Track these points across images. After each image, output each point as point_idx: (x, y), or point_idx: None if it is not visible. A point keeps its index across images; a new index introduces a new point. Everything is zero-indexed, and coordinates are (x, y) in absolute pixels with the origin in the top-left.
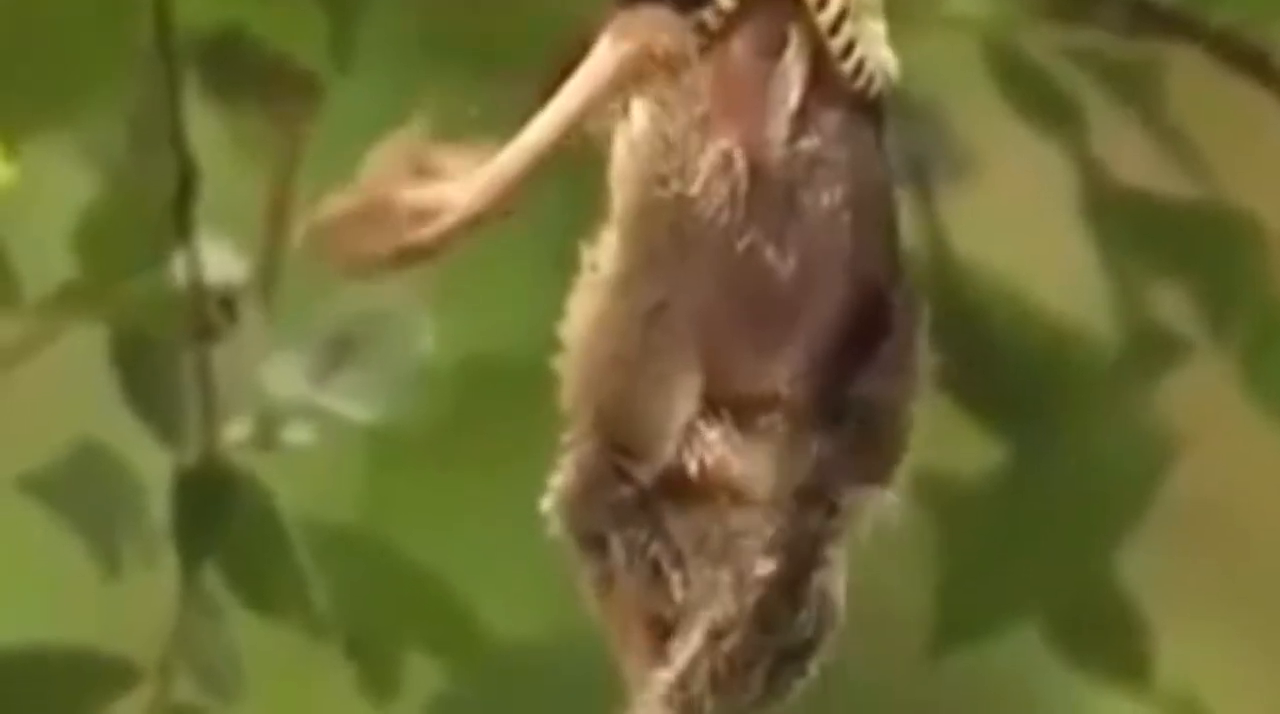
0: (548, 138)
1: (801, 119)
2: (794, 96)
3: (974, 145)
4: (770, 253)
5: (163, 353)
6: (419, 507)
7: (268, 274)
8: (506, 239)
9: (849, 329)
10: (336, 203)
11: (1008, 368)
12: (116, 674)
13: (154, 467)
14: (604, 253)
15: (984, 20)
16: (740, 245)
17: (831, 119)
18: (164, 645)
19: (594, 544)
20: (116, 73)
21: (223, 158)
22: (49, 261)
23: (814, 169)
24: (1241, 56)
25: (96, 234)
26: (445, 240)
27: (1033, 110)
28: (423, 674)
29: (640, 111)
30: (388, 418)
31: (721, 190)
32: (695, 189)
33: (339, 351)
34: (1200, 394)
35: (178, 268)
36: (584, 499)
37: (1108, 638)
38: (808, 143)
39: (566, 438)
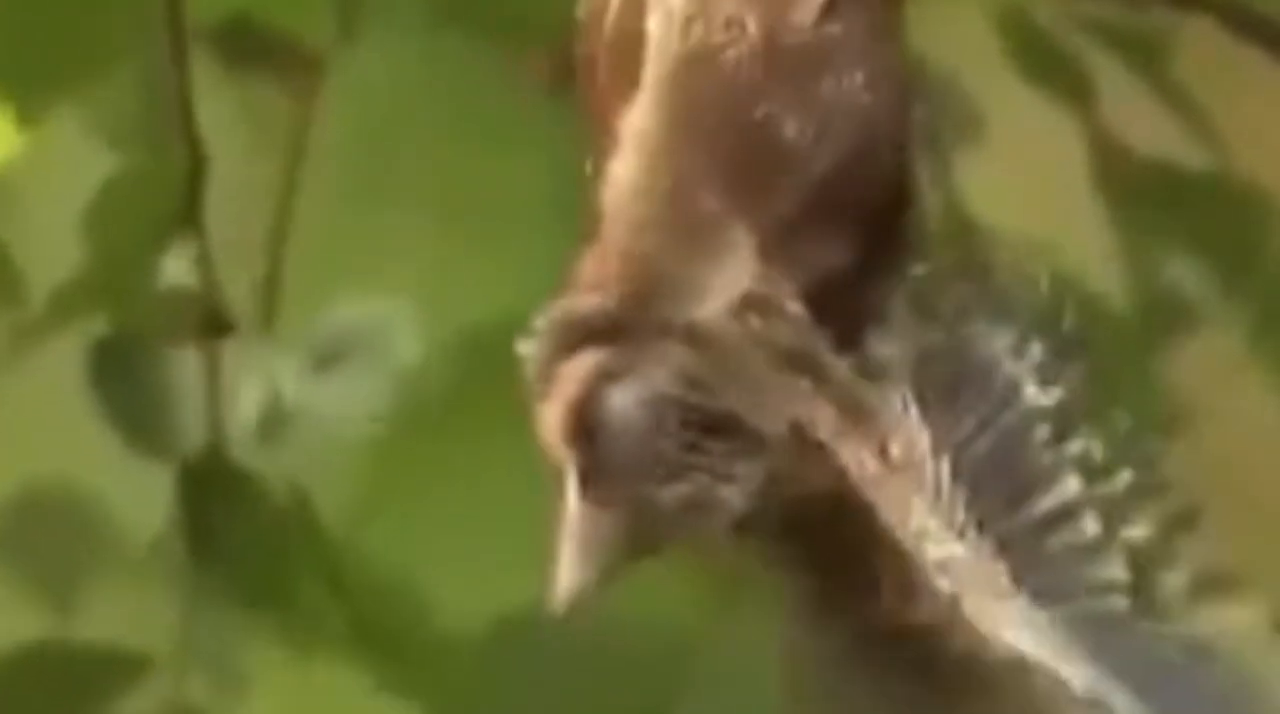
0: None
1: (831, 6)
2: None
3: (986, 115)
4: (790, 126)
5: (166, 351)
6: (417, 504)
7: (272, 272)
8: (496, 241)
9: (864, 215)
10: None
11: None
12: (126, 670)
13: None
14: (639, 117)
15: None
16: (757, 114)
17: (860, 5)
18: (173, 641)
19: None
20: (129, 51)
21: (231, 139)
22: (57, 245)
23: (834, 53)
24: (1252, 27)
25: (106, 217)
26: None
27: (1044, 80)
28: (426, 667)
29: None
30: (385, 416)
31: (739, 47)
32: (716, 35)
33: (338, 352)
34: (1208, 363)
35: (183, 265)
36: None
37: None
38: (833, 28)
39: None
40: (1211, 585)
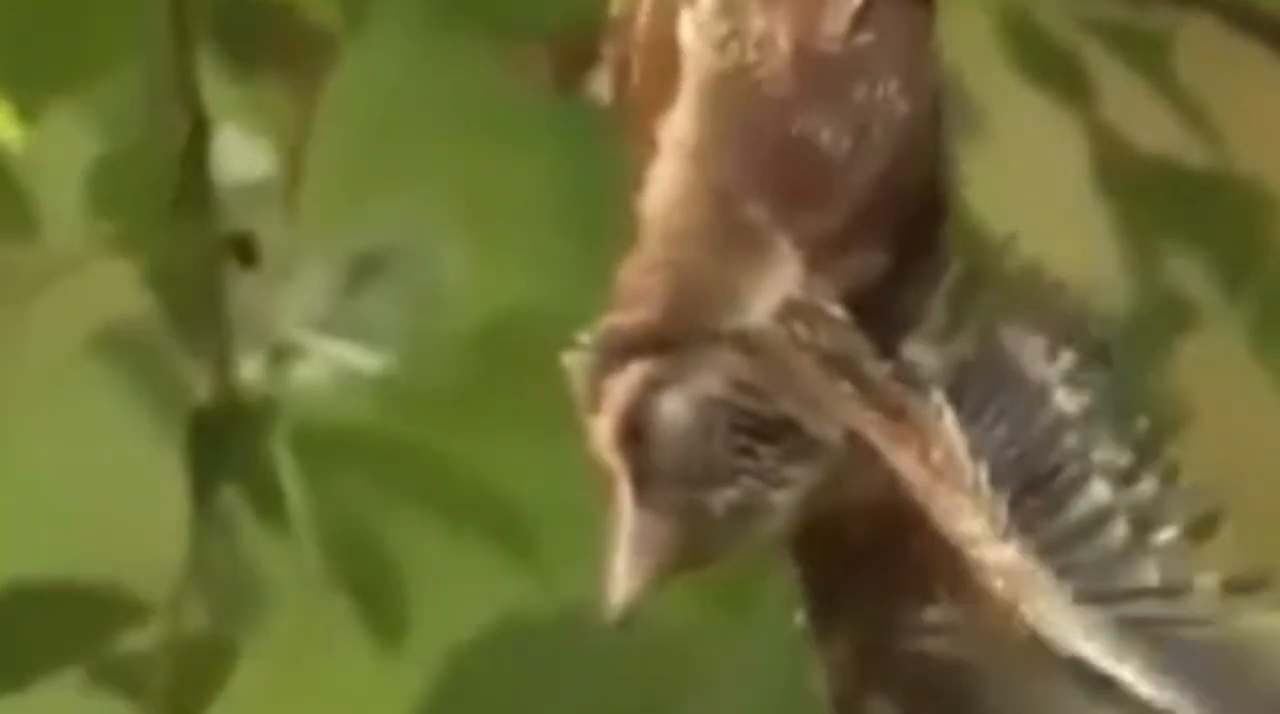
0: None
1: (864, 15)
2: None
3: (987, 113)
4: (825, 136)
5: (179, 287)
6: (433, 437)
7: (286, 214)
8: (534, 200)
9: (902, 224)
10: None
11: None
12: (129, 606)
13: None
14: (678, 126)
15: None
16: (793, 128)
17: (892, 12)
18: (176, 578)
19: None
20: (132, 36)
21: (237, 119)
22: (65, 209)
23: (868, 61)
24: (1254, 24)
25: (110, 185)
26: None
27: (1045, 78)
28: (431, 613)
29: None
30: (403, 356)
31: (772, 61)
32: (750, 53)
33: (355, 289)
34: (1210, 362)
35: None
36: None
37: None
38: (865, 38)
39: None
40: (1243, 587)
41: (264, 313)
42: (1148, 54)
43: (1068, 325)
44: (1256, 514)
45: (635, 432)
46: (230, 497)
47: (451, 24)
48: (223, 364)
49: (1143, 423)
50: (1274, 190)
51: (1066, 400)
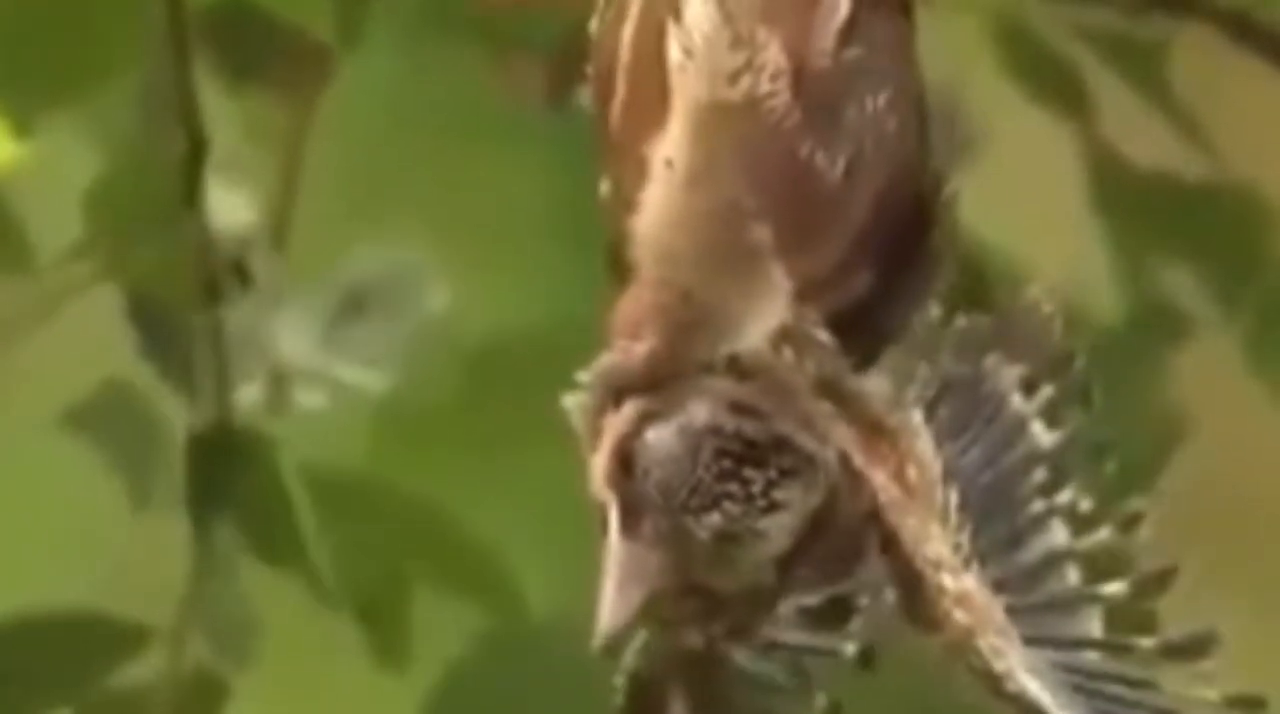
0: None
1: (850, 29)
2: (845, 5)
3: (982, 124)
4: (821, 159)
5: (174, 316)
6: (429, 469)
7: (279, 238)
8: (529, 216)
9: (889, 239)
10: None
11: None
12: (128, 637)
13: (176, 415)
14: (672, 148)
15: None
16: (802, 152)
17: (877, 24)
18: (177, 608)
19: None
20: (128, 49)
21: (233, 132)
22: (60, 232)
23: (858, 77)
24: (1251, 36)
25: (106, 203)
26: None
27: (1041, 89)
28: (435, 637)
29: (703, 9)
30: (400, 381)
31: (784, 91)
32: (764, 85)
33: (351, 314)
34: (1206, 374)
35: (189, 232)
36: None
37: None
38: (852, 52)
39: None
40: (1182, 652)
41: (260, 338)
42: (1144, 65)
43: (1052, 360)
44: (1252, 525)
45: (625, 464)
46: (230, 524)
47: (445, 37)
48: (220, 391)
49: (1110, 468)
50: (1270, 202)
51: (1042, 434)
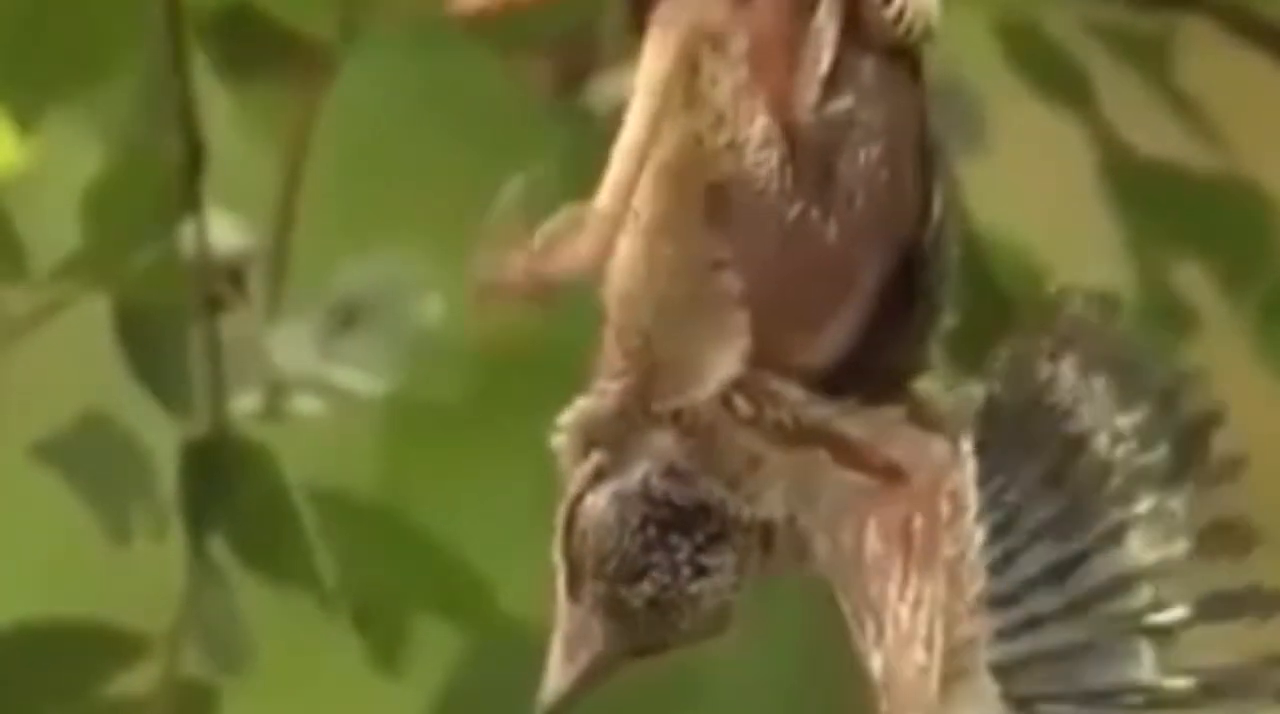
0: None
1: (833, 80)
2: (826, 58)
3: (989, 118)
4: (815, 217)
5: (170, 324)
6: (428, 478)
7: (277, 246)
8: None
9: (884, 296)
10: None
11: None
12: (124, 647)
13: (161, 438)
14: (640, 199)
15: None
16: (791, 213)
17: (866, 73)
18: (172, 618)
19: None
20: (128, 50)
21: (234, 133)
22: (57, 238)
23: (848, 130)
24: (1255, 29)
25: (104, 206)
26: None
27: (1047, 83)
28: (431, 648)
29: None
30: (396, 389)
31: (772, 159)
32: (750, 158)
33: (347, 322)
34: (1213, 367)
35: (185, 239)
36: (601, 427)
37: None
38: (841, 103)
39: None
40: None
41: (256, 347)
42: (1150, 59)
43: (1127, 365)
44: (1260, 518)
45: (569, 527)
46: (226, 534)
47: (450, 35)
48: (215, 401)
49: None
50: (1276, 194)
51: (1120, 447)
